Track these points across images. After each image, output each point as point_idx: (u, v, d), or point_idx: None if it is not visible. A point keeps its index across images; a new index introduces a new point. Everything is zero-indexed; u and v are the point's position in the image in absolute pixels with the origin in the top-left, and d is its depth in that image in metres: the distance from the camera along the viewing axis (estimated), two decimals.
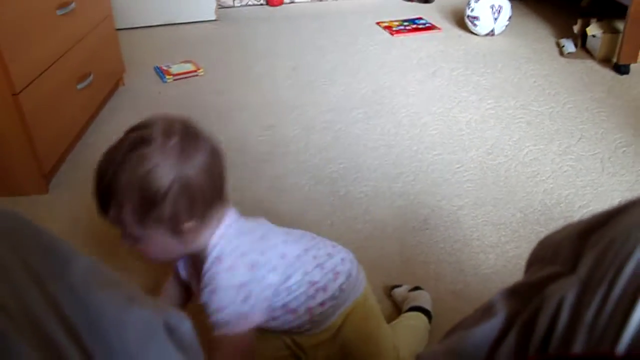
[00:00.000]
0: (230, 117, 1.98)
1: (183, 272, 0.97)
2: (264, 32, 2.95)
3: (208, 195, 0.82)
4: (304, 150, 1.74)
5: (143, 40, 2.88)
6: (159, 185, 0.77)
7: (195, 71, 2.37)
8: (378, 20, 3.03)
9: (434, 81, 2.23)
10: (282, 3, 3.45)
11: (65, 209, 1.52)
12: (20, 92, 1.47)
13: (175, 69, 2.40)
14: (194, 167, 0.80)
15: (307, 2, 3.51)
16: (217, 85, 2.26)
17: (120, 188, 0.78)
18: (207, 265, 0.83)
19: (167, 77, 2.33)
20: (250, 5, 3.48)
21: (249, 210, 0.92)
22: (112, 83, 2.20)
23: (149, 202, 0.78)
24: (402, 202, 1.47)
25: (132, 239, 0.83)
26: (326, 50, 2.63)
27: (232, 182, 1.55)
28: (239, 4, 3.47)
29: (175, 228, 0.81)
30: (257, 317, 0.84)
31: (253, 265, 0.84)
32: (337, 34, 2.87)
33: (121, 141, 0.82)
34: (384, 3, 3.44)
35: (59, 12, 1.71)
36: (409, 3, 3.40)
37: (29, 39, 1.54)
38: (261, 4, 3.48)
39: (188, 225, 0.81)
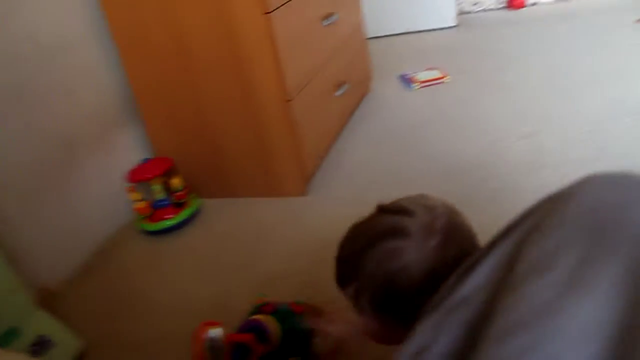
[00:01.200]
0: (481, 125, 1.95)
1: None
2: (507, 36, 2.86)
3: None
4: (565, 163, 1.64)
5: (385, 48, 3.00)
6: (408, 285, 0.73)
7: (441, 78, 2.40)
8: (638, 18, 2.75)
9: None
10: (523, 5, 3.31)
11: (321, 211, 1.62)
12: (292, 99, 1.58)
13: (421, 76, 2.45)
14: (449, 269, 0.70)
15: (551, 2, 3.33)
16: (465, 93, 2.25)
17: (364, 275, 0.76)
18: None
19: (414, 84, 2.38)
20: (489, 9, 3.41)
21: None
22: (362, 90, 2.33)
23: (392, 298, 0.75)
24: None
25: (362, 316, 0.81)
26: (580, 53, 2.46)
27: (489, 193, 1.54)
28: (478, 9, 3.43)
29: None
30: None
31: None
32: (590, 35, 2.67)
33: (375, 221, 0.79)
34: None
35: (324, 23, 1.82)
36: None
37: (301, 49, 1.65)
38: (501, 8, 3.39)
39: None
